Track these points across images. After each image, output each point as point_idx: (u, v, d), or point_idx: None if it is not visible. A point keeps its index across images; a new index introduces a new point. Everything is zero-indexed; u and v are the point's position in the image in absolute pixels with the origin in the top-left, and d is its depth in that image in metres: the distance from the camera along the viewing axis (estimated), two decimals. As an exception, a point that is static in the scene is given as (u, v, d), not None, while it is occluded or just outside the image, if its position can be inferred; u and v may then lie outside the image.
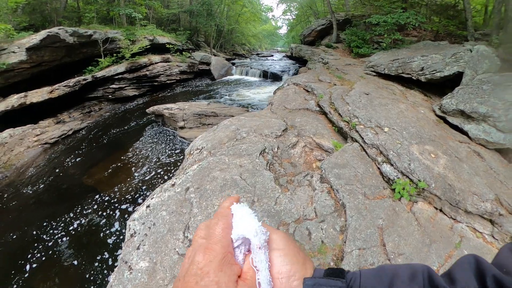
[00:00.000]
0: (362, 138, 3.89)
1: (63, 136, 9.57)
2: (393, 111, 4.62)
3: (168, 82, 15.54)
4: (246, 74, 18.60)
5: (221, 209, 0.47)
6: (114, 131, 9.27)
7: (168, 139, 7.82)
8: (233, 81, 16.85)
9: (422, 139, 3.76)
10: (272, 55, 32.98)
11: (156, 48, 16.71)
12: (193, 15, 22.09)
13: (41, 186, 6.44)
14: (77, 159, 7.64)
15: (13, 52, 9.69)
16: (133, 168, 6.16)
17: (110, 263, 4.01)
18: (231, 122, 4.62)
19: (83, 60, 12.68)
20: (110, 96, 13.41)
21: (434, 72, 6.03)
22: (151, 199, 2.93)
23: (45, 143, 8.95)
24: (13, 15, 12.08)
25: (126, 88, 13.59)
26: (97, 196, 5.50)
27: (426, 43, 8.66)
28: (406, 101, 5.49)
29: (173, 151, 7.02)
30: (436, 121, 4.78)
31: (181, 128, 7.66)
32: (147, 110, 8.55)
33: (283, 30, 51.27)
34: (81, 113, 12.47)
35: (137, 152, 7.09)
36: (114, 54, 13.29)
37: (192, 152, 3.83)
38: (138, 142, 7.79)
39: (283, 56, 28.38)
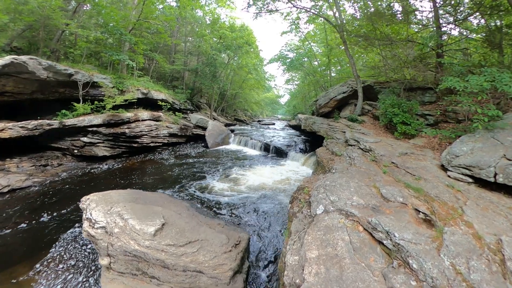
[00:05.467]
0: None
1: (-5, 193, 7.09)
2: None
3: (151, 144, 12.77)
4: (245, 145, 16.25)
5: None
6: (46, 214, 6.13)
7: (90, 267, 4.36)
8: (229, 153, 14.10)
9: None
10: (273, 123, 32.16)
11: (150, 103, 14.77)
12: (198, 75, 21.29)
13: None
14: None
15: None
16: None
17: None
18: None
19: (62, 100, 10.49)
20: (76, 151, 10.62)
21: None
22: None
23: (-28, 199, 6.80)
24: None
25: (98, 144, 10.87)
26: None
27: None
28: None
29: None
30: None
31: (107, 268, 3.83)
32: (82, 200, 4.65)
33: (284, 99, 53.06)
34: (34, 165, 9.67)
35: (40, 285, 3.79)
36: (96, 102, 11.07)
37: None
38: (49, 260, 4.46)
39: (285, 126, 27.26)
